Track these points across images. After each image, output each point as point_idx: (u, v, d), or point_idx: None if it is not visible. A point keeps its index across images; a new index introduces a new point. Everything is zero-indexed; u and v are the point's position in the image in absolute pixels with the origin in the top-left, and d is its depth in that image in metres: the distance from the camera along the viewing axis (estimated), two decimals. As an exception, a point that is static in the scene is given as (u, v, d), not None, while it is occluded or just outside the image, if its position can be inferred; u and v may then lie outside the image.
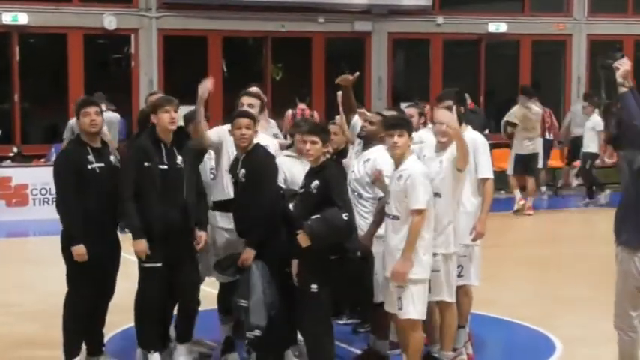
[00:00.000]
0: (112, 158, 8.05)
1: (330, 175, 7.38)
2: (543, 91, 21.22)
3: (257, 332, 7.45)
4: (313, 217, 7.22)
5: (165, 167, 7.75)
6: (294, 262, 7.50)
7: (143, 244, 7.65)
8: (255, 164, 7.77)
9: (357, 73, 8.84)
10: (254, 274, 7.53)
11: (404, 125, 7.50)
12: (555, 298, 11.27)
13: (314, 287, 7.33)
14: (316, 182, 7.38)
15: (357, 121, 8.65)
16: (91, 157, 7.87)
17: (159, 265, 7.74)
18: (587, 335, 9.38)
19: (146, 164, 7.70)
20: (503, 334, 9.49)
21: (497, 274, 12.17)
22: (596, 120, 19.13)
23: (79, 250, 7.73)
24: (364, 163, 8.07)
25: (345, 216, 7.20)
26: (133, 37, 20.14)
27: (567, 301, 11.08)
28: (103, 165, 7.90)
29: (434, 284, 7.64)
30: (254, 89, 9.14)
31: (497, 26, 22.51)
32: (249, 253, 7.66)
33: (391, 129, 7.50)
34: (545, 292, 11.60)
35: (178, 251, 7.82)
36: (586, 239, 16.26)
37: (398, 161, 7.49)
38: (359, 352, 8.50)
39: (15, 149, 18.67)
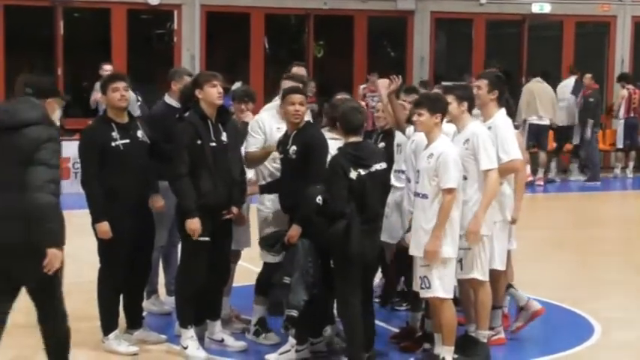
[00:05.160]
0: (139, 133, 8.00)
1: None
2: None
3: (294, 313, 7.44)
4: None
5: (214, 144, 7.70)
6: None
7: (196, 223, 7.59)
8: (307, 141, 7.71)
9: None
10: (299, 252, 7.50)
11: (423, 104, 7.46)
12: (594, 280, 11.22)
13: (332, 263, 7.42)
14: None
15: None
16: (115, 134, 7.86)
17: (207, 239, 7.69)
18: (627, 318, 9.35)
19: (198, 142, 7.64)
20: (543, 316, 9.45)
21: (536, 256, 12.13)
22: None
23: (102, 228, 7.77)
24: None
25: (318, 199, 7.25)
26: (175, 12, 20.21)
27: (606, 283, 11.03)
28: (128, 141, 7.87)
29: (465, 262, 7.65)
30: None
31: (541, 6, 22.34)
32: (295, 231, 7.59)
33: (413, 107, 7.56)
34: (585, 275, 11.55)
35: (220, 227, 7.82)
36: (626, 222, 16.17)
37: (426, 139, 7.51)
38: (397, 330, 8.51)
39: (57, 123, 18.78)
